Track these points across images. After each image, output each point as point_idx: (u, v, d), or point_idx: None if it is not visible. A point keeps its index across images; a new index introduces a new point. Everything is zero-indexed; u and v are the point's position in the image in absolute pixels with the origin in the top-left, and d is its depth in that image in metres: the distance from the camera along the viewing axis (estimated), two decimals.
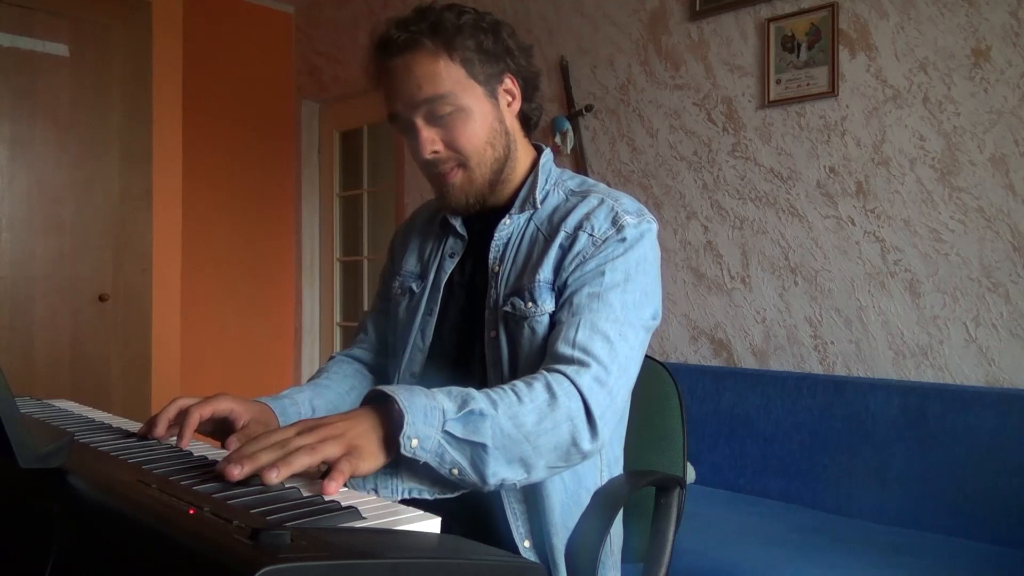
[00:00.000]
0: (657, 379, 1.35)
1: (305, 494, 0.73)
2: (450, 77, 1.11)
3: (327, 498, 0.73)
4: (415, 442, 0.87)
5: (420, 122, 1.13)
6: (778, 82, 2.53)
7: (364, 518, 0.67)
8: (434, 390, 0.93)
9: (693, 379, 2.57)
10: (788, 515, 2.16)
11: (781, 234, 2.54)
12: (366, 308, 4.23)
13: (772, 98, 2.54)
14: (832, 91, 2.41)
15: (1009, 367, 2.11)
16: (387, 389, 0.90)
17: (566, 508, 1.10)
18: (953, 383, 2.19)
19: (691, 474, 2.35)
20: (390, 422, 0.89)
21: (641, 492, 1.21)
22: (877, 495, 2.15)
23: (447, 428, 0.90)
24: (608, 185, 1.27)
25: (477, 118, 1.14)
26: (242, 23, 4.25)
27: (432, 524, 0.68)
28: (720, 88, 2.68)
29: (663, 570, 1.17)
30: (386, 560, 0.54)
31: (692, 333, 2.75)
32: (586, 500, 1.12)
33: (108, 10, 3.70)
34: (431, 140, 1.13)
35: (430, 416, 0.89)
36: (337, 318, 4.43)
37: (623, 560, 1.26)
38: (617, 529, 1.23)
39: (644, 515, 1.24)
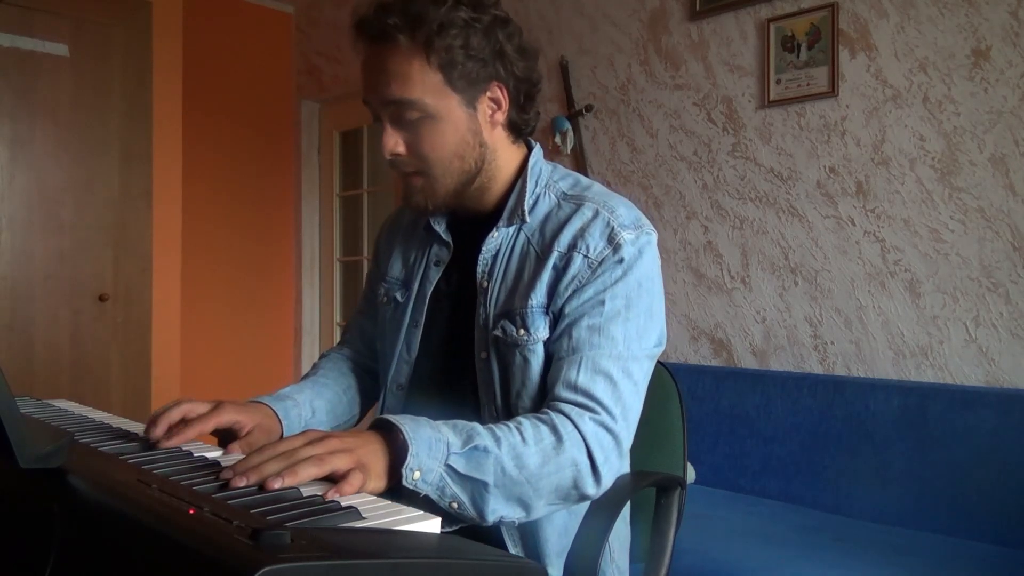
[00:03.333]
0: (657, 379, 1.35)
1: (305, 494, 0.73)
2: (423, 82, 1.02)
3: (327, 499, 0.73)
4: (417, 474, 0.87)
5: (387, 120, 1.06)
6: (778, 82, 2.53)
7: (364, 518, 0.67)
8: (439, 422, 0.92)
9: (693, 379, 2.57)
10: (788, 515, 2.16)
11: (781, 234, 2.54)
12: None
13: (772, 98, 2.54)
14: (832, 91, 2.41)
15: (1009, 367, 2.11)
16: (392, 418, 0.89)
17: (564, 531, 1.08)
18: (953, 383, 2.19)
19: (691, 474, 2.35)
20: (394, 450, 0.88)
21: (642, 492, 1.21)
22: (877, 495, 2.15)
23: (450, 462, 0.89)
24: (607, 185, 1.22)
25: (447, 128, 1.05)
26: (242, 23, 4.25)
27: (432, 524, 0.68)
28: (720, 88, 2.68)
29: (663, 570, 1.17)
30: (386, 560, 0.54)
31: (692, 333, 2.75)
32: None
33: (108, 10, 3.70)
34: (394, 142, 1.06)
35: (434, 449, 0.88)
36: (337, 318, 4.43)
37: None
38: (623, 533, 1.21)
39: (645, 515, 1.24)
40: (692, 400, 2.54)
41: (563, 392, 1.01)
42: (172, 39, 3.91)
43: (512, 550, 1.08)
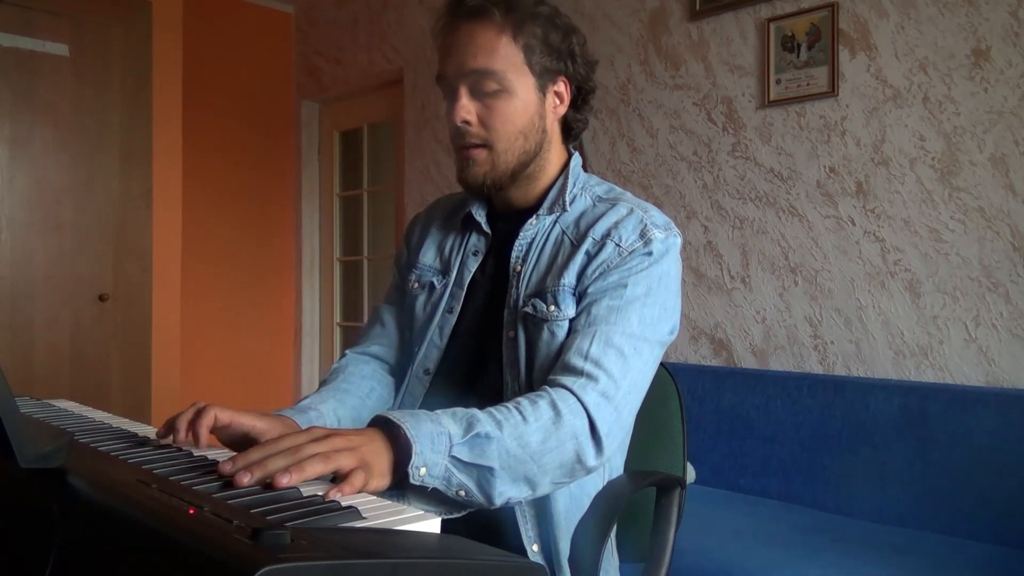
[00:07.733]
0: (657, 379, 1.34)
1: (305, 494, 0.73)
2: (507, 56, 1.12)
3: (328, 498, 0.73)
4: (423, 470, 0.88)
5: (463, 90, 1.13)
6: (778, 82, 2.53)
7: (364, 518, 0.67)
8: (438, 412, 0.93)
9: (693, 379, 2.57)
10: (788, 515, 2.16)
11: (781, 234, 2.54)
12: (367, 307, 4.24)
13: (772, 98, 2.54)
14: (832, 91, 2.41)
15: (1009, 367, 2.11)
16: (392, 416, 0.90)
17: (569, 513, 1.10)
18: (953, 383, 2.19)
19: (691, 474, 2.35)
20: (397, 448, 0.89)
21: (641, 492, 1.21)
22: (877, 495, 2.15)
23: (454, 453, 0.90)
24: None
25: (519, 105, 1.14)
26: (242, 23, 4.25)
27: (432, 524, 0.68)
28: (720, 88, 2.68)
29: (663, 570, 1.17)
30: (386, 560, 0.54)
31: (692, 333, 2.75)
32: (587, 505, 1.12)
33: (108, 10, 3.70)
34: (467, 109, 1.13)
35: (437, 443, 0.89)
36: (337, 318, 4.43)
37: (624, 560, 1.26)
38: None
39: (644, 515, 1.24)
40: (692, 400, 2.54)
41: (573, 360, 1.04)
42: (172, 39, 3.91)
43: (523, 527, 1.09)
